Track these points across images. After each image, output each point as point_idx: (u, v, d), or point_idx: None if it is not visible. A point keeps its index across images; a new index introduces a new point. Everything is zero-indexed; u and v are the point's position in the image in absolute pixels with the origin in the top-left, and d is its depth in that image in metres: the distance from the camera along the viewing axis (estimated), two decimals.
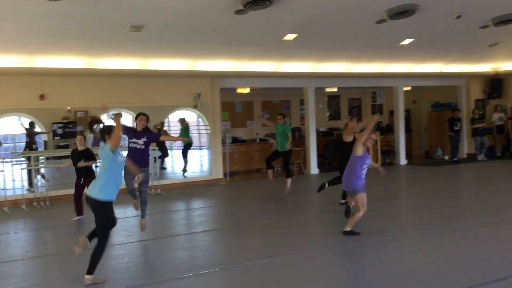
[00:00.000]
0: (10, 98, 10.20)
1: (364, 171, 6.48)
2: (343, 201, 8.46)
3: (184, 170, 13.01)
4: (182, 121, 13.68)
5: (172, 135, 13.93)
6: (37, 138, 11.10)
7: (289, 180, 9.97)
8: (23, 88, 10.28)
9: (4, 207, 9.38)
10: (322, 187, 8.50)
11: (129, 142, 6.89)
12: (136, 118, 6.98)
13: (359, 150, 6.41)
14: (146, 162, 6.98)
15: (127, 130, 6.94)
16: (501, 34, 11.07)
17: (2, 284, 5.17)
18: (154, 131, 7.25)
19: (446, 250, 5.79)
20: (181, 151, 13.44)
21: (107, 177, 5.01)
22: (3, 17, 7.46)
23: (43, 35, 8.43)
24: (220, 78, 12.39)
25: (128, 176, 6.82)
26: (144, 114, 6.97)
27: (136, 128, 6.94)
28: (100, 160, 5.24)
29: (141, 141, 6.82)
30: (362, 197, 6.49)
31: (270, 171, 10.35)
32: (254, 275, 5.23)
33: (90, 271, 4.90)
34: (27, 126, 10.82)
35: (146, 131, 6.89)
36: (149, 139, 6.90)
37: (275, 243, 6.46)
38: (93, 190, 5.03)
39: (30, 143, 10.73)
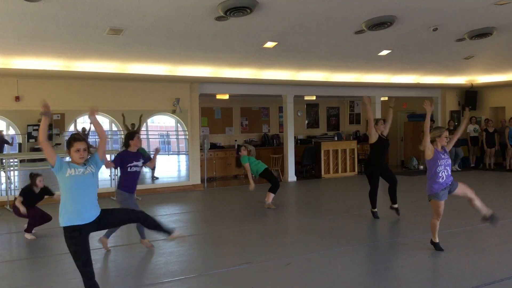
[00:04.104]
0: None
1: (442, 174, 5.84)
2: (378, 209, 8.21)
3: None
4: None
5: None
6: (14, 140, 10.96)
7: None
8: None
9: None
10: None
11: (128, 167, 6.25)
12: (132, 138, 6.34)
13: (427, 153, 5.90)
14: None
15: (123, 157, 6.29)
16: (476, 47, 11.33)
17: None
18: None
19: (419, 259, 5.87)
20: None
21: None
22: None
23: (21, 36, 8.32)
24: (199, 84, 12.39)
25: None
26: (138, 133, 6.63)
27: (128, 150, 6.34)
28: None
29: (140, 163, 6.34)
30: (435, 205, 5.94)
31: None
32: (229, 281, 5.22)
33: None
34: None
35: (138, 152, 6.44)
36: (144, 160, 6.47)
37: (251, 249, 6.46)
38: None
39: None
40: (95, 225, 4.07)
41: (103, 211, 4.14)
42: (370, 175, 8.12)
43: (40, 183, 7.44)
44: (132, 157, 6.29)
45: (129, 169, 6.24)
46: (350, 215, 8.54)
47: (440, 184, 5.85)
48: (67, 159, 4.20)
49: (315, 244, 6.66)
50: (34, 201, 7.52)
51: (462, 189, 6.02)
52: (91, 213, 4.04)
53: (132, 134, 6.50)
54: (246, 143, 15.55)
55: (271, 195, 9.50)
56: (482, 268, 5.45)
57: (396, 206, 8.11)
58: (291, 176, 13.84)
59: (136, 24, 8.16)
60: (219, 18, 7.97)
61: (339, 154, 14.80)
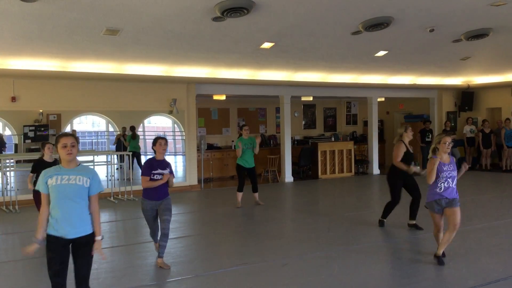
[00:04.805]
0: None
1: (441, 185, 5.60)
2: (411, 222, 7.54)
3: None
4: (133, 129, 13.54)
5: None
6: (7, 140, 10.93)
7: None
8: None
9: None
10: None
11: (152, 174, 5.73)
12: (154, 144, 5.85)
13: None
14: (167, 191, 5.97)
15: (150, 165, 5.79)
16: (473, 48, 11.34)
17: None
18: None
19: (415, 259, 5.87)
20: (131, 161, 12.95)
21: None
22: None
23: (17, 36, 8.29)
24: (196, 84, 12.37)
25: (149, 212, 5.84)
26: (164, 138, 5.89)
27: (154, 157, 5.84)
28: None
29: (166, 171, 5.77)
30: (431, 214, 5.75)
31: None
32: (226, 282, 5.21)
33: None
34: None
35: (165, 160, 5.90)
36: (170, 167, 5.88)
37: (248, 250, 6.46)
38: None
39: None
40: (71, 245, 3.68)
41: (87, 248, 3.72)
42: (391, 186, 7.55)
43: (49, 150, 7.02)
44: (157, 164, 5.76)
45: (152, 176, 5.72)
46: (347, 216, 8.54)
47: (436, 194, 5.61)
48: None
49: (312, 245, 6.66)
50: None
51: (455, 214, 5.56)
52: (71, 229, 3.66)
53: (154, 140, 5.91)
54: None
55: (240, 195, 9.60)
56: (478, 269, 5.46)
57: (414, 222, 7.43)
58: (288, 177, 13.84)
59: (133, 24, 8.14)
60: (216, 19, 7.96)
61: (336, 155, 14.81)
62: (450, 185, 5.62)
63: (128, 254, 6.45)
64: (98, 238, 3.79)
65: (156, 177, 5.73)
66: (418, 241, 6.63)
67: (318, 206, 10.40)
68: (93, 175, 3.81)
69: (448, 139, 5.65)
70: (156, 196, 5.78)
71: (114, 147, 14.50)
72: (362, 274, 5.39)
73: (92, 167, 11.28)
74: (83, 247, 3.72)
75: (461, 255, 6.00)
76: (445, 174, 5.59)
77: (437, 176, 5.60)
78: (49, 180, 3.70)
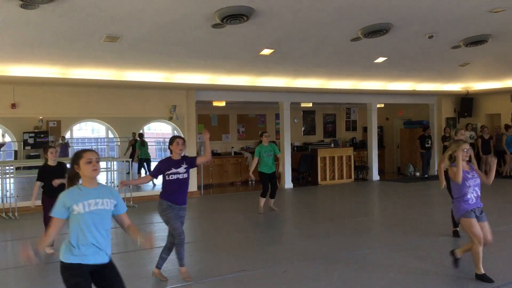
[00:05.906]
0: None
1: (471, 195, 5.18)
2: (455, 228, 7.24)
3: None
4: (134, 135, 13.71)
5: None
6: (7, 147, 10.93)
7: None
8: None
9: None
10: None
11: (166, 175, 5.41)
12: (171, 143, 5.47)
13: (458, 179, 5.14)
14: (186, 198, 5.64)
15: (161, 165, 5.49)
16: (472, 54, 11.38)
17: None
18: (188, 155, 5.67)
19: (415, 265, 5.86)
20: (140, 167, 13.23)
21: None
22: None
23: (17, 43, 8.31)
24: (196, 91, 12.39)
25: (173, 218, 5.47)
26: (182, 138, 5.55)
27: (170, 157, 5.50)
28: None
29: (182, 169, 5.42)
30: (467, 224, 5.16)
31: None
32: None
33: None
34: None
35: (183, 157, 5.52)
36: (189, 165, 5.51)
37: (247, 257, 6.44)
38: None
39: None
40: (95, 272, 3.42)
41: (111, 264, 3.56)
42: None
43: (52, 154, 6.75)
44: (170, 164, 5.43)
45: (167, 178, 5.42)
46: (347, 222, 8.54)
47: (469, 204, 5.17)
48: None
49: (311, 251, 6.65)
50: (53, 181, 6.56)
51: (485, 228, 5.21)
52: (102, 255, 3.48)
53: (171, 139, 5.57)
54: (243, 150, 15.55)
55: (263, 200, 9.54)
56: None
57: (456, 228, 7.17)
58: (288, 183, 13.83)
59: (133, 31, 8.17)
60: (215, 26, 7.99)
61: (336, 161, 14.81)
62: (478, 193, 5.27)
63: (127, 261, 6.43)
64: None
65: (171, 177, 5.39)
66: (420, 248, 6.61)
67: (318, 213, 10.39)
68: (116, 195, 3.55)
69: (467, 146, 5.29)
70: (175, 199, 5.46)
71: (114, 153, 14.51)
72: (362, 281, 5.38)
73: None
74: (112, 267, 3.55)
75: (462, 260, 5.98)
76: (471, 182, 5.18)
77: (465, 186, 5.16)
78: (74, 207, 3.29)
